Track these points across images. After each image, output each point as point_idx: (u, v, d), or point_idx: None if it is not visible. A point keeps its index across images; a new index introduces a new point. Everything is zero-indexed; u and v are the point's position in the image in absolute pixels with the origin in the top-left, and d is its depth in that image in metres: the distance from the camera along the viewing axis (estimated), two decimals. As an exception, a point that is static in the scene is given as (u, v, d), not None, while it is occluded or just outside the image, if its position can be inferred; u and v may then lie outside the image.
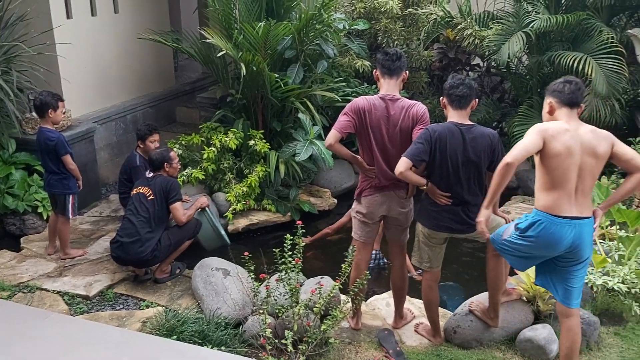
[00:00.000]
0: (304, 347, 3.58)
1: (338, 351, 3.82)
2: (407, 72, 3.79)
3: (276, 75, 5.62)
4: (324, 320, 3.68)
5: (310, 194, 6.43)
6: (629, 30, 6.38)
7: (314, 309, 3.75)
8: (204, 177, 5.79)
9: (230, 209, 5.70)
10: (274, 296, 3.87)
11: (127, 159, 5.40)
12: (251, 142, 5.91)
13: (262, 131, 6.02)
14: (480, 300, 3.94)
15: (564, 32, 6.25)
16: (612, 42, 5.90)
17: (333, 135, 3.56)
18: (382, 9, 6.65)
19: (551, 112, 3.25)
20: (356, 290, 3.73)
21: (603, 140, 3.12)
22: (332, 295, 3.77)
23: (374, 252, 5.04)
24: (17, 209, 5.29)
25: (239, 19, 5.81)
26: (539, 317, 3.96)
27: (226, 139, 5.80)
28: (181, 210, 4.54)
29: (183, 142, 6.10)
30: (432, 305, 3.83)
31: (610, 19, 6.68)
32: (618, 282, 4.01)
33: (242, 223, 5.75)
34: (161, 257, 4.47)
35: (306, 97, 6.02)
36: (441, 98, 3.56)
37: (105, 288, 4.50)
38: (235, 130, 5.91)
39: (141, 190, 4.52)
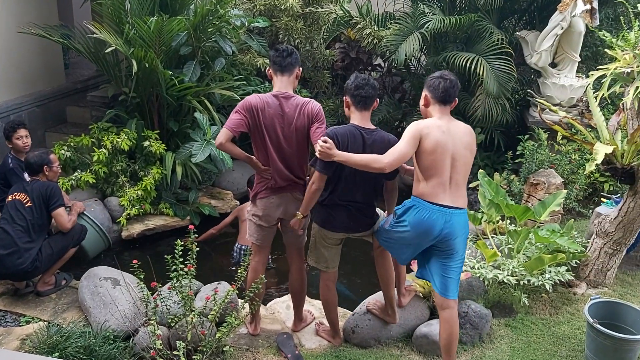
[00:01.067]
0: (198, 357, 3.42)
1: (235, 359, 3.69)
2: (301, 69, 3.72)
3: (170, 72, 5.38)
4: (220, 328, 3.54)
5: (212, 197, 6.23)
6: (518, 33, 6.69)
7: (209, 316, 3.60)
8: (94, 180, 5.46)
9: (124, 213, 5.41)
10: (165, 305, 3.68)
11: (1, 163, 4.99)
12: (146, 143, 5.64)
13: (157, 131, 5.76)
14: (377, 299, 3.95)
15: (458, 33, 6.44)
16: (502, 43, 6.15)
17: (224, 134, 3.42)
18: (282, 7, 6.55)
19: (426, 105, 3.37)
20: (251, 294, 3.61)
21: (470, 134, 3.34)
22: (227, 301, 3.63)
23: (241, 246, 5.13)
24: None
25: (130, 13, 5.52)
26: (434, 313, 4.01)
27: (118, 139, 5.50)
28: (65, 217, 4.23)
29: (72, 144, 5.73)
30: (330, 305, 3.79)
31: (501, 21, 6.97)
32: (508, 275, 4.15)
33: (136, 228, 5.47)
34: (43, 268, 4.14)
35: (204, 96, 5.83)
36: (344, 98, 3.50)
37: (-21, 304, 4.12)
38: (128, 130, 5.61)
39: (17, 197, 4.16)
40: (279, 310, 4.26)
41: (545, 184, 5.40)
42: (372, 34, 6.33)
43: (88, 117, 7.31)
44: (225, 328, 3.52)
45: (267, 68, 3.64)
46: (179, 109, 6.03)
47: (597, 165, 3.84)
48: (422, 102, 3.40)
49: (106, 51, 5.19)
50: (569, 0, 5.85)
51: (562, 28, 6.02)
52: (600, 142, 3.99)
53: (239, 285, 3.64)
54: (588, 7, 5.91)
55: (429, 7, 6.57)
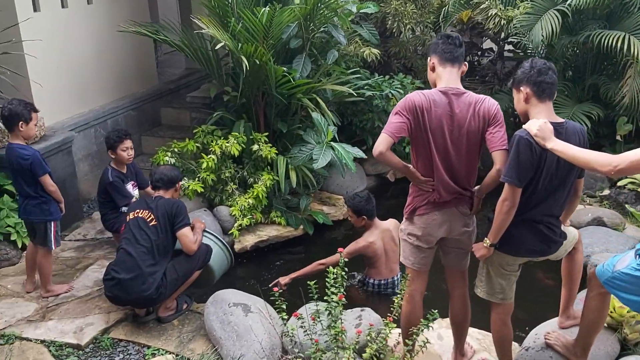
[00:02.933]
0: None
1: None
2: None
3: (284, 68, 4.87)
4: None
5: (322, 202, 5.73)
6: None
7: (364, 354, 3.05)
8: (202, 189, 5.03)
9: (236, 224, 4.97)
10: (310, 338, 3.18)
11: (101, 176, 4.61)
12: (255, 147, 5.17)
13: (266, 134, 5.28)
14: (558, 331, 3.30)
15: (598, 10, 5.62)
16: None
17: (385, 141, 2.83)
18: (391, -10, 5.96)
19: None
20: (413, 330, 3.05)
21: None
22: (385, 336, 3.09)
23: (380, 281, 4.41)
24: (-16, 238, 4.48)
25: (236, 5, 5.04)
26: (625, 347, 3.34)
27: (227, 144, 5.05)
28: (191, 237, 3.78)
29: (175, 150, 5.33)
30: (505, 342, 3.16)
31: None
32: None
33: (249, 240, 5.02)
34: (168, 294, 3.71)
35: (314, 93, 5.30)
36: (519, 89, 2.86)
37: (99, 333, 3.73)
38: (236, 134, 5.15)
39: (140, 215, 3.75)
40: (430, 340, 3.66)
41: None
42: (499, 14, 5.60)
43: (184, 118, 6.96)
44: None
45: (429, 59, 3.02)
46: (285, 109, 5.53)
47: None
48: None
49: (216, 47, 4.72)
50: None
51: None
52: None
53: (395, 317, 3.09)
54: None
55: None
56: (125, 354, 3.60)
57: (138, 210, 3.79)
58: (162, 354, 3.56)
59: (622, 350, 3.33)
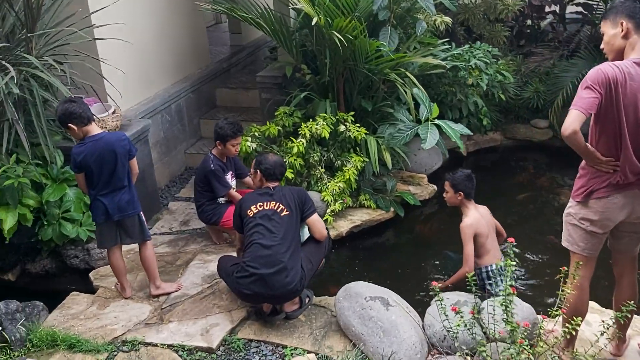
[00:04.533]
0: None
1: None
2: None
3: (379, 42, 4.58)
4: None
5: (405, 182, 5.51)
6: None
7: (536, 350, 2.86)
8: (293, 175, 4.79)
9: (329, 210, 4.74)
10: (471, 334, 3.01)
11: (201, 164, 4.42)
12: (341, 128, 4.92)
13: (352, 113, 5.02)
14: None
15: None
16: None
17: (577, 118, 2.57)
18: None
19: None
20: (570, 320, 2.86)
21: None
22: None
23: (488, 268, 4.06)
24: (79, 236, 4.23)
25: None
26: None
27: (316, 127, 4.79)
28: (322, 222, 3.62)
29: (256, 134, 5.07)
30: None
31: None
32: None
33: (344, 226, 4.81)
34: (306, 285, 3.55)
35: (401, 67, 5.02)
36: (622, 22, 2.63)
37: (227, 334, 3.53)
38: (324, 114, 4.89)
39: (268, 207, 3.54)
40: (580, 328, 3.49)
41: None
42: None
43: (241, 99, 6.74)
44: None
45: (622, 22, 2.72)
46: (366, 86, 5.26)
47: None
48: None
49: (312, 23, 4.42)
50: None
51: None
52: None
53: (557, 312, 2.89)
54: None
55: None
56: (260, 354, 3.41)
57: (261, 203, 3.57)
58: (301, 354, 3.37)
59: None
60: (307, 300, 3.77)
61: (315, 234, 3.66)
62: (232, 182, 4.45)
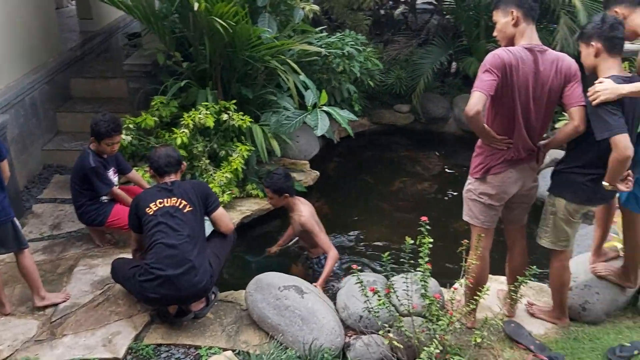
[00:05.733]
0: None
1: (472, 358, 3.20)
2: None
3: (262, 29, 4.51)
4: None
5: (289, 169, 5.46)
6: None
7: (443, 318, 3.03)
8: (177, 167, 4.56)
9: (218, 202, 4.60)
10: (390, 311, 3.11)
11: (78, 161, 4.02)
12: (224, 117, 4.78)
13: (234, 101, 4.89)
14: (605, 265, 3.58)
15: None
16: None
17: (480, 99, 2.74)
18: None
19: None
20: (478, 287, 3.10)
21: None
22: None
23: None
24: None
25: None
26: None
27: (200, 116, 4.60)
28: (228, 216, 3.49)
29: (130, 126, 4.75)
30: (564, 287, 3.35)
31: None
32: None
33: (234, 217, 4.68)
34: (214, 283, 3.40)
35: (281, 54, 5.00)
36: (592, 43, 2.93)
37: (132, 341, 3.28)
38: (206, 103, 4.71)
39: (169, 203, 3.31)
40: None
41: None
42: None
43: (100, 89, 6.24)
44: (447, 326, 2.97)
45: (512, 10, 2.91)
46: (246, 73, 5.16)
47: None
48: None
49: (195, 8, 4.20)
50: None
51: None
52: None
53: (464, 282, 3.12)
54: None
55: None
56: (173, 358, 3.22)
57: (160, 200, 3.34)
58: (217, 352, 3.23)
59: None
60: (213, 296, 3.63)
61: (222, 227, 3.54)
62: (115, 178, 4.12)
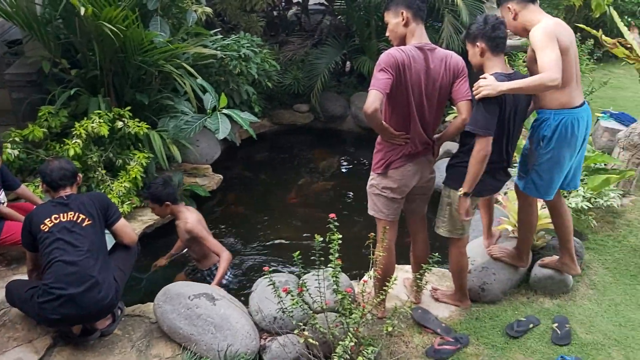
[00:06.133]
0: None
1: (385, 347, 3.31)
2: None
3: (155, 33, 4.38)
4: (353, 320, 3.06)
5: (191, 175, 5.41)
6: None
7: (355, 311, 3.11)
8: (71, 180, 4.33)
9: (118, 213, 4.42)
10: (302, 309, 3.15)
11: None
12: (119, 124, 4.60)
13: (128, 108, 4.72)
14: (500, 246, 3.82)
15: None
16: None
17: (377, 97, 2.82)
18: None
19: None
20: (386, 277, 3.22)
21: None
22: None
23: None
24: None
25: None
26: (534, 252, 4.01)
27: (92, 125, 4.40)
28: (130, 226, 3.35)
29: (17, 139, 4.46)
30: (463, 271, 3.54)
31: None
32: (585, 201, 4.28)
33: (136, 228, 4.53)
34: (120, 298, 3.26)
35: (176, 58, 4.88)
36: (477, 43, 3.11)
37: (35, 368, 3.09)
38: (100, 111, 4.50)
39: (66, 218, 3.13)
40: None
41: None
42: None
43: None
44: (360, 319, 3.06)
45: (402, 11, 3.01)
46: (139, 79, 5.00)
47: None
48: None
49: (82, 13, 3.98)
50: None
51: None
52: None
53: (373, 274, 3.23)
54: None
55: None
56: (80, 382, 3.06)
57: (56, 216, 3.16)
58: (128, 370, 3.12)
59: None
60: (119, 312, 3.48)
61: (125, 239, 3.40)
62: (1, 195, 3.85)
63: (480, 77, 3.01)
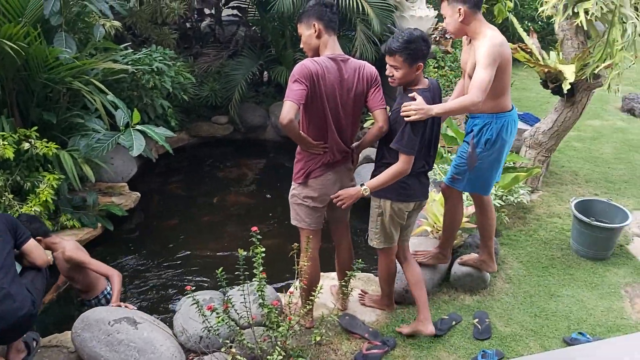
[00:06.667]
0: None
1: (315, 357, 3.32)
2: None
3: (60, 49, 4.20)
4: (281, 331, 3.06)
5: (106, 194, 5.22)
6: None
7: (283, 324, 3.09)
8: (-27, 208, 4.09)
9: (29, 239, 4.19)
10: (229, 326, 3.10)
11: None
12: (25, 146, 4.38)
13: (35, 128, 4.50)
14: (420, 250, 3.93)
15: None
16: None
17: (292, 108, 2.83)
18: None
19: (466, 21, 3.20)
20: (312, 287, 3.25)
21: None
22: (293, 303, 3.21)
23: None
24: None
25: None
26: (453, 250, 4.14)
27: (-5, 147, 4.16)
28: (41, 248, 3.21)
29: None
30: (392, 278, 3.60)
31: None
32: (497, 199, 4.48)
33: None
34: (38, 308, 3.12)
35: (84, 74, 4.70)
36: (314, 24, 3.03)
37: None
38: (4, 133, 4.26)
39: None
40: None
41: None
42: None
43: None
44: (287, 331, 3.06)
45: (314, 24, 3.02)
46: (46, 97, 4.78)
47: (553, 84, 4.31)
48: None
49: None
50: None
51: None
52: (548, 64, 4.47)
53: (299, 284, 3.24)
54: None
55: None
56: (-6, 423, 2.87)
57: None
58: (47, 405, 2.96)
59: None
60: (34, 344, 3.30)
61: (37, 260, 3.24)
62: None
63: (409, 94, 3.00)
